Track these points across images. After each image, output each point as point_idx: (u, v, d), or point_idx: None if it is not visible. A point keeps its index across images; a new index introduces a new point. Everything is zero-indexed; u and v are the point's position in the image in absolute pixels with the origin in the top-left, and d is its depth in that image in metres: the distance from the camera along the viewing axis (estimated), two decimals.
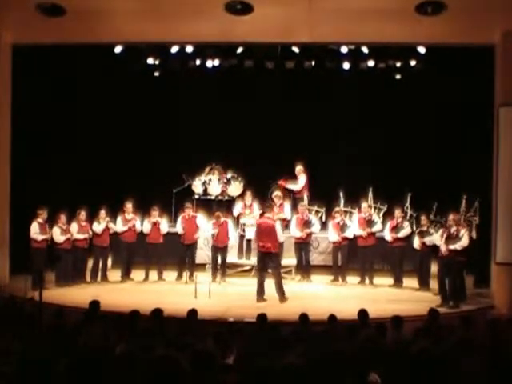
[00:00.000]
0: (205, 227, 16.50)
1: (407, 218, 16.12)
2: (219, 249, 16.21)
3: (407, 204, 16.38)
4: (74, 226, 15.62)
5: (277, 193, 17.16)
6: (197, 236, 16.44)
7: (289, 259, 16.69)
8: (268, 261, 14.12)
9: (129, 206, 16.33)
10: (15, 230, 15.69)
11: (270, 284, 14.14)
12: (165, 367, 4.69)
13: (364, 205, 16.41)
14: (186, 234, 16.32)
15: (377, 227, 16.19)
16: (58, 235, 15.30)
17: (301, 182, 17.59)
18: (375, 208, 16.70)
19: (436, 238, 14.52)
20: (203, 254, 16.88)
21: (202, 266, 16.31)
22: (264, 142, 18.88)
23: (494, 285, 14.76)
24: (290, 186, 17.64)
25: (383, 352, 6.50)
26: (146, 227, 16.41)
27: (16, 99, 15.97)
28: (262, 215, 14.73)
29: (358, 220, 16.30)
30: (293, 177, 17.75)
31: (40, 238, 15.10)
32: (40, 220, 15.17)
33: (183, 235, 16.35)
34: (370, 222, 16.19)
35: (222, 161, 17.74)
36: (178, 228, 16.41)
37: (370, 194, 16.81)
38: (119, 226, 16.31)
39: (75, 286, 15.45)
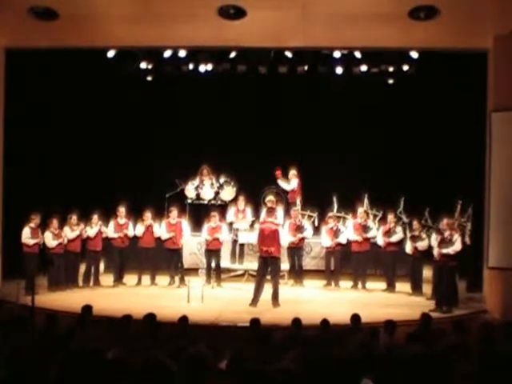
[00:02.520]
0: (188, 232, 16.72)
1: (400, 223, 16.14)
2: (212, 252, 16.22)
3: (400, 209, 16.40)
4: (66, 231, 15.58)
5: (270, 197, 17.12)
6: (182, 241, 16.43)
7: (281, 264, 16.68)
8: (270, 265, 14.09)
9: (122, 210, 16.32)
10: (7, 235, 15.63)
11: (264, 290, 14.13)
12: (154, 371, 4.68)
13: (360, 210, 16.44)
14: (169, 239, 16.34)
15: (372, 233, 16.22)
16: (50, 240, 15.25)
17: (292, 184, 17.56)
18: (371, 214, 16.72)
19: (429, 242, 14.62)
20: (196, 258, 16.89)
21: (195, 271, 16.31)
22: (257, 146, 18.91)
23: (486, 289, 14.78)
24: (282, 183, 17.61)
25: (376, 356, 6.50)
26: (139, 230, 16.40)
27: (9, 102, 15.95)
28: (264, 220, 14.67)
29: (354, 225, 16.31)
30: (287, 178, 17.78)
31: (32, 242, 15.05)
32: (32, 225, 15.13)
33: (168, 240, 16.35)
34: (365, 228, 16.21)
35: (215, 165, 17.73)
36: (163, 233, 16.41)
37: (366, 200, 16.84)
38: (111, 232, 16.29)
39: (67, 290, 15.41)
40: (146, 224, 16.36)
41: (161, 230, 16.43)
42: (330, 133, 18.83)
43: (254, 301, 13.78)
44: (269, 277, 14.22)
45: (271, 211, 14.57)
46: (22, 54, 15.50)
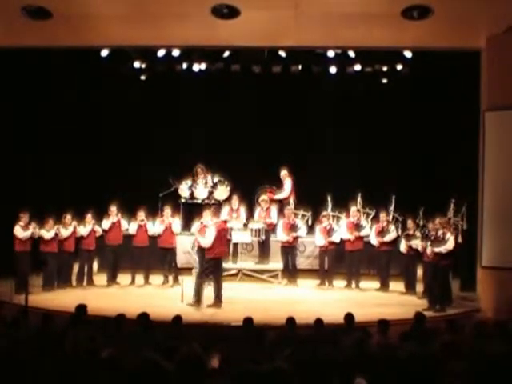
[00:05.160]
0: (178, 230, 16.71)
1: (393, 222, 16.15)
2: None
3: (392, 207, 16.41)
4: (60, 230, 15.55)
5: (263, 197, 17.19)
6: (174, 240, 16.41)
7: (275, 263, 16.71)
8: (220, 264, 14.15)
9: (113, 209, 16.30)
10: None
11: (258, 289, 14.08)
12: (149, 371, 4.68)
13: (353, 209, 16.43)
14: (163, 238, 16.35)
15: (365, 231, 16.23)
16: (45, 234, 15.24)
17: (287, 187, 17.62)
18: (364, 213, 16.73)
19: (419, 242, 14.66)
20: (189, 257, 16.83)
21: (189, 270, 16.30)
22: (251, 145, 18.90)
23: (479, 288, 14.80)
24: (278, 196, 17.68)
25: (369, 356, 6.50)
26: (133, 227, 16.41)
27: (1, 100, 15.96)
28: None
29: (347, 224, 16.31)
30: (277, 183, 17.78)
31: (27, 234, 15.02)
32: (21, 223, 15.09)
33: (162, 238, 16.39)
34: (358, 227, 16.21)
35: (208, 164, 17.70)
36: (156, 229, 16.43)
37: (359, 199, 16.83)
38: (104, 224, 16.30)
39: (61, 290, 15.40)
40: (139, 220, 16.35)
41: (155, 228, 16.45)
42: (324, 132, 18.85)
43: (220, 300, 13.78)
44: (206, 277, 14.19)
45: (216, 210, 14.45)
46: (14, 52, 15.46)
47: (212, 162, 17.70)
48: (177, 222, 16.55)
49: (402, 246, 15.38)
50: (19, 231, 15.05)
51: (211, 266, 14.12)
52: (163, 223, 16.37)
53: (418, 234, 14.99)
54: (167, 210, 16.48)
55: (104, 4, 13.68)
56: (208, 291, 13.99)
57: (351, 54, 17.13)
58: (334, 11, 13.54)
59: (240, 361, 6.08)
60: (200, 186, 17.51)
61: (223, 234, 14.01)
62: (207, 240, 14.07)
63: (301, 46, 15.99)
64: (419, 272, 15.41)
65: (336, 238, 16.19)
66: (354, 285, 16.15)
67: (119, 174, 18.58)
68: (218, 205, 17.48)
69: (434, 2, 13.22)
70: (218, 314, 12.96)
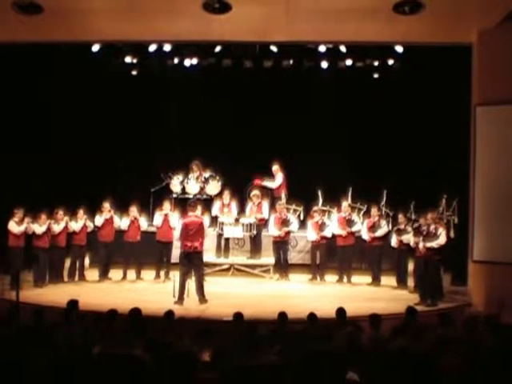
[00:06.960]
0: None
1: (384, 217, 16.18)
2: None
3: (383, 202, 16.45)
4: (52, 225, 15.54)
5: (255, 192, 17.20)
6: (172, 235, 16.38)
7: (267, 258, 16.72)
8: (192, 260, 13.80)
9: (106, 205, 16.26)
10: None
11: (250, 284, 14.07)
12: (128, 366, 4.69)
13: (344, 204, 16.45)
14: (161, 231, 16.30)
15: (357, 227, 16.24)
16: (38, 228, 15.23)
17: (278, 180, 17.65)
18: (355, 208, 16.76)
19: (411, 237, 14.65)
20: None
21: None
22: (242, 141, 18.88)
23: (471, 283, 14.83)
24: (267, 183, 17.69)
25: (361, 350, 6.52)
26: (125, 223, 16.37)
27: None
28: (185, 215, 14.45)
29: (338, 219, 16.31)
30: (269, 176, 17.81)
31: (21, 229, 15.02)
32: (16, 219, 15.09)
33: (158, 232, 16.34)
34: (349, 222, 16.22)
35: (200, 160, 17.70)
36: (157, 221, 16.38)
37: (350, 194, 16.85)
38: (97, 221, 16.25)
39: (52, 285, 15.36)
40: (132, 215, 16.32)
41: (155, 219, 16.44)
42: (315, 126, 18.82)
43: (182, 297, 13.50)
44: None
45: (193, 206, 14.38)
46: (3, 47, 15.41)
47: (203, 157, 17.70)
48: (175, 216, 16.48)
49: (393, 241, 15.40)
50: (14, 226, 15.04)
51: (180, 260, 14.06)
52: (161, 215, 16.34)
53: (409, 228, 15.02)
54: (166, 204, 16.44)
55: None
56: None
57: (342, 48, 17.13)
58: (326, 6, 13.52)
59: (231, 355, 6.10)
60: (192, 181, 17.50)
61: (191, 229, 13.84)
62: (176, 234, 14.63)
63: (292, 41, 16.00)
64: (410, 266, 15.44)
65: (328, 233, 16.21)
66: (345, 279, 16.17)
67: (111, 169, 18.54)
68: (210, 200, 17.52)
69: None
70: (210, 309, 12.94)
